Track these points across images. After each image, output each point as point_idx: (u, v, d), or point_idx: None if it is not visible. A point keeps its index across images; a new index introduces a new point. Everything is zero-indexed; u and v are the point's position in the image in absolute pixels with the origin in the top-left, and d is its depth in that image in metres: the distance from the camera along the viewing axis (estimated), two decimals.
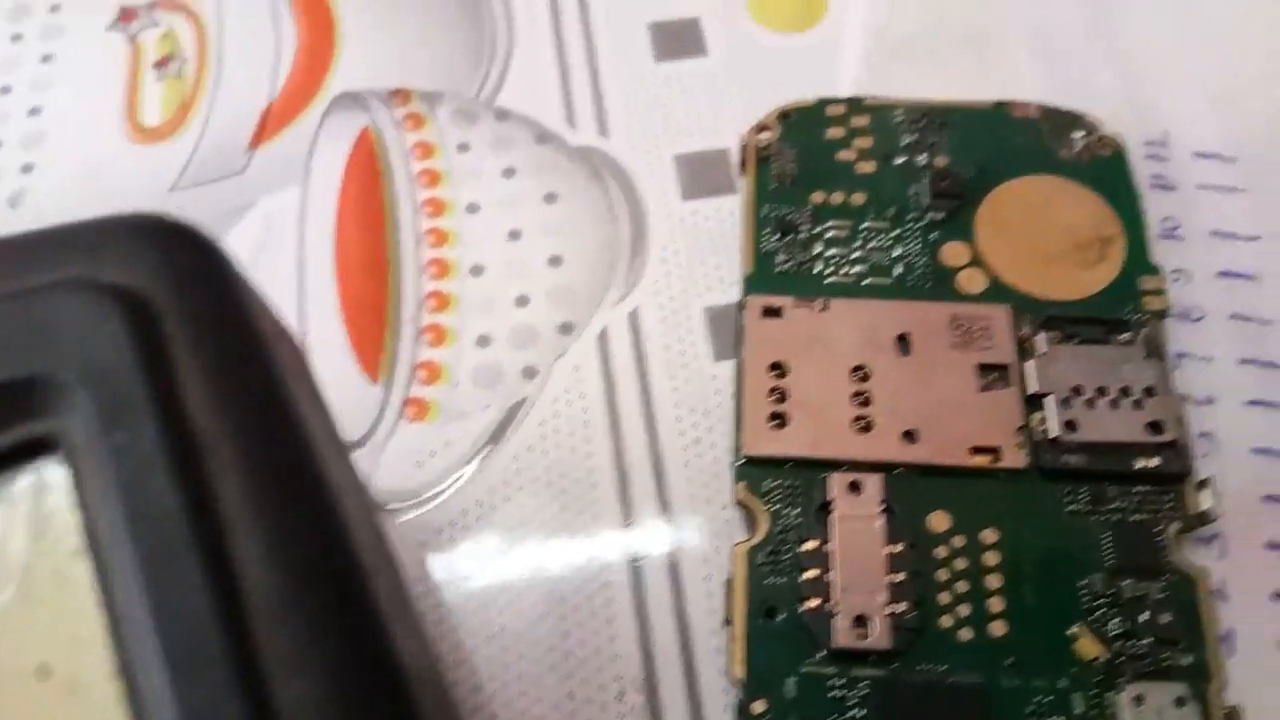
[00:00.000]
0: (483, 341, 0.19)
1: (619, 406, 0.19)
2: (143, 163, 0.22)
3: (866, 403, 0.17)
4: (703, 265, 0.20)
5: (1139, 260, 0.18)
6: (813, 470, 0.16)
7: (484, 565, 0.18)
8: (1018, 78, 0.21)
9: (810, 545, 0.16)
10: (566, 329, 0.19)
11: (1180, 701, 0.15)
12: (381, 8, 0.23)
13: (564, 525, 0.17)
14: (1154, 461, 0.16)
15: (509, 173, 0.21)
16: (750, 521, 0.17)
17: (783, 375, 0.17)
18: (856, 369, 0.17)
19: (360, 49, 0.23)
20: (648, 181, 0.21)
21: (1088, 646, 0.15)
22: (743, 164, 0.19)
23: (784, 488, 0.16)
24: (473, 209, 0.21)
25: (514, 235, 0.20)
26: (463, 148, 0.22)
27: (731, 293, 0.19)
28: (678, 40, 0.23)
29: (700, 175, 0.21)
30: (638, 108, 0.22)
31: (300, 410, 0.10)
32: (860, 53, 0.21)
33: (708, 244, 0.20)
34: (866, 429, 0.17)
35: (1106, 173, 0.19)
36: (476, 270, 0.20)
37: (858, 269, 0.18)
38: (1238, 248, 0.19)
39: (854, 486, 0.16)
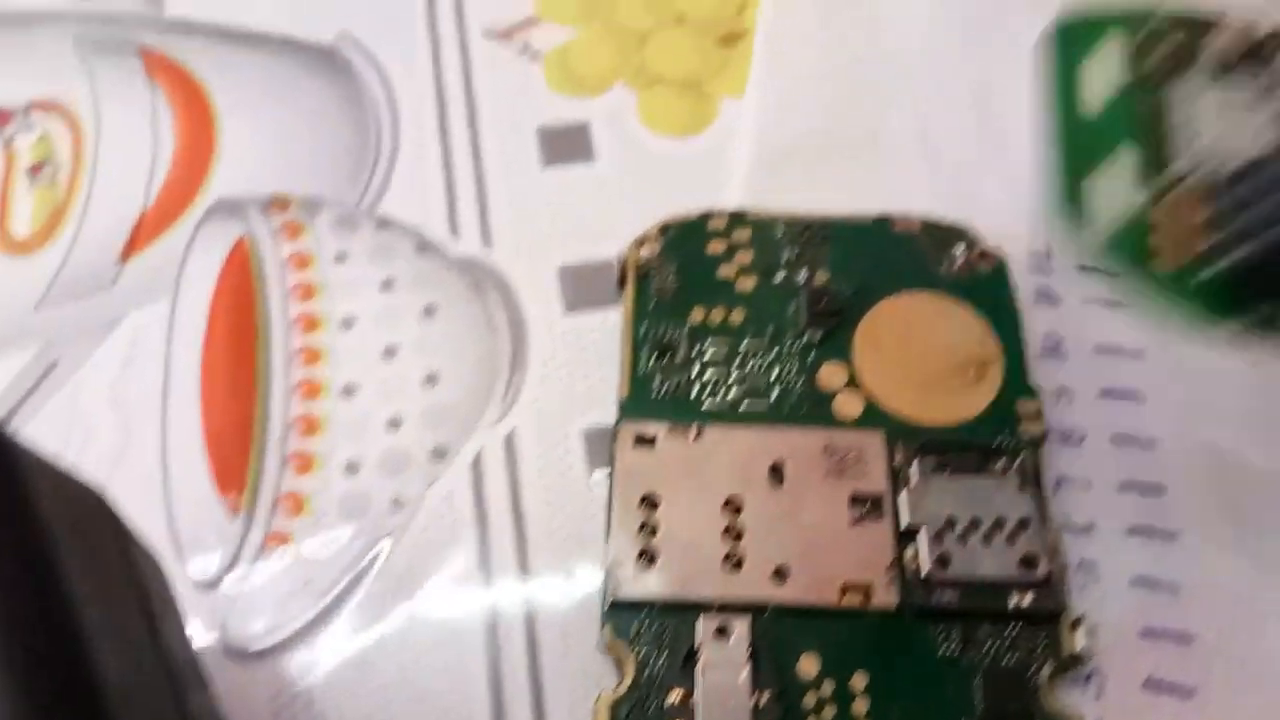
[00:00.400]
0: (351, 469, 0.18)
1: (490, 539, 0.18)
2: (8, 277, 0.21)
3: (738, 537, 0.16)
4: (585, 380, 0.19)
5: (1017, 383, 0.18)
6: (681, 612, 0.16)
7: (347, 711, 0.17)
8: (907, 188, 0.20)
9: (675, 697, 0.15)
10: (439, 453, 0.19)
11: None
12: (264, 108, 0.23)
13: (424, 689, 0.17)
14: (1027, 599, 0.16)
15: (387, 285, 0.20)
16: (618, 668, 0.16)
17: (654, 508, 0.16)
18: (729, 501, 0.17)
19: (241, 152, 0.22)
20: (530, 293, 0.20)
21: None
22: (621, 280, 0.19)
23: (651, 632, 0.16)
24: (347, 324, 0.20)
25: (389, 352, 0.20)
26: (340, 258, 0.21)
27: (612, 412, 0.18)
28: (566, 145, 0.22)
29: (585, 286, 0.20)
30: (523, 215, 0.21)
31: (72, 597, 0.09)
32: (747, 161, 0.21)
33: (592, 358, 0.19)
34: (737, 566, 0.16)
35: (987, 289, 0.18)
36: (348, 391, 0.19)
37: (735, 392, 0.18)
38: (1121, 365, 0.19)
39: (721, 631, 0.15)
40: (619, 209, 0.21)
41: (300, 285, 0.20)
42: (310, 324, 0.20)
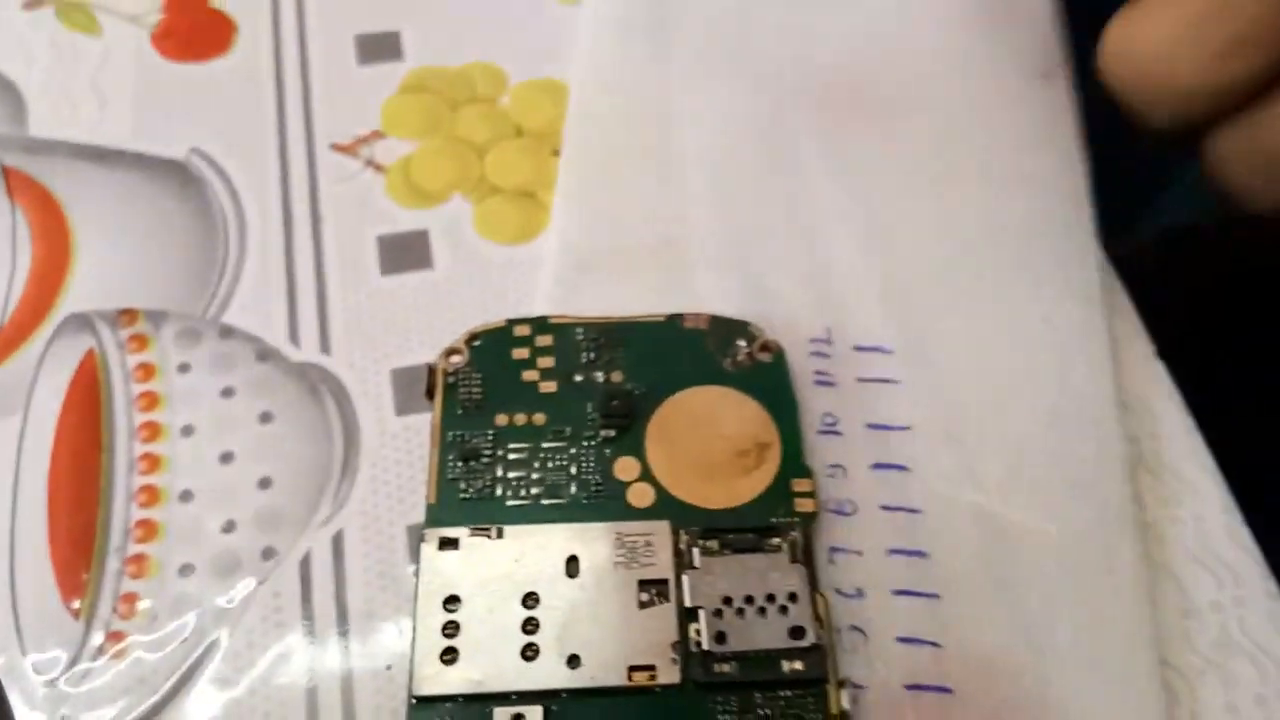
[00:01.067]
0: (185, 571, 0.19)
1: (316, 633, 0.19)
2: None
3: (535, 629, 0.17)
4: (411, 482, 0.20)
5: (793, 464, 0.19)
6: (481, 705, 0.17)
7: None
8: (705, 285, 0.22)
9: None
10: (269, 554, 0.20)
11: None
12: (117, 223, 0.23)
13: None
14: (797, 666, 0.17)
15: (227, 392, 0.21)
16: None
17: (457, 608, 0.18)
18: (528, 596, 0.18)
19: (94, 266, 0.23)
20: (363, 397, 0.21)
21: None
22: (430, 390, 0.20)
23: None
24: (187, 431, 0.21)
25: (226, 458, 0.21)
26: (184, 368, 0.22)
27: None
28: (406, 253, 0.23)
29: (416, 390, 0.21)
30: (361, 322, 0.22)
31: None
32: (553, 266, 0.22)
33: (419, 459, 0.20)
34: (534, 657, 0.17)
35: (767, 378, 0.20)
36: (185, 496, 0.20)
37: (536, 491, 0.19)
38: (890, 439, 0.20)
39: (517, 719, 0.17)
40: (454, 314, 0.22)
41: (144, 395, 0.21)
42: (153, 432, 0.21)
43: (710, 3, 0.26)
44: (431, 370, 0.20)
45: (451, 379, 0.20)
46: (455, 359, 0.20)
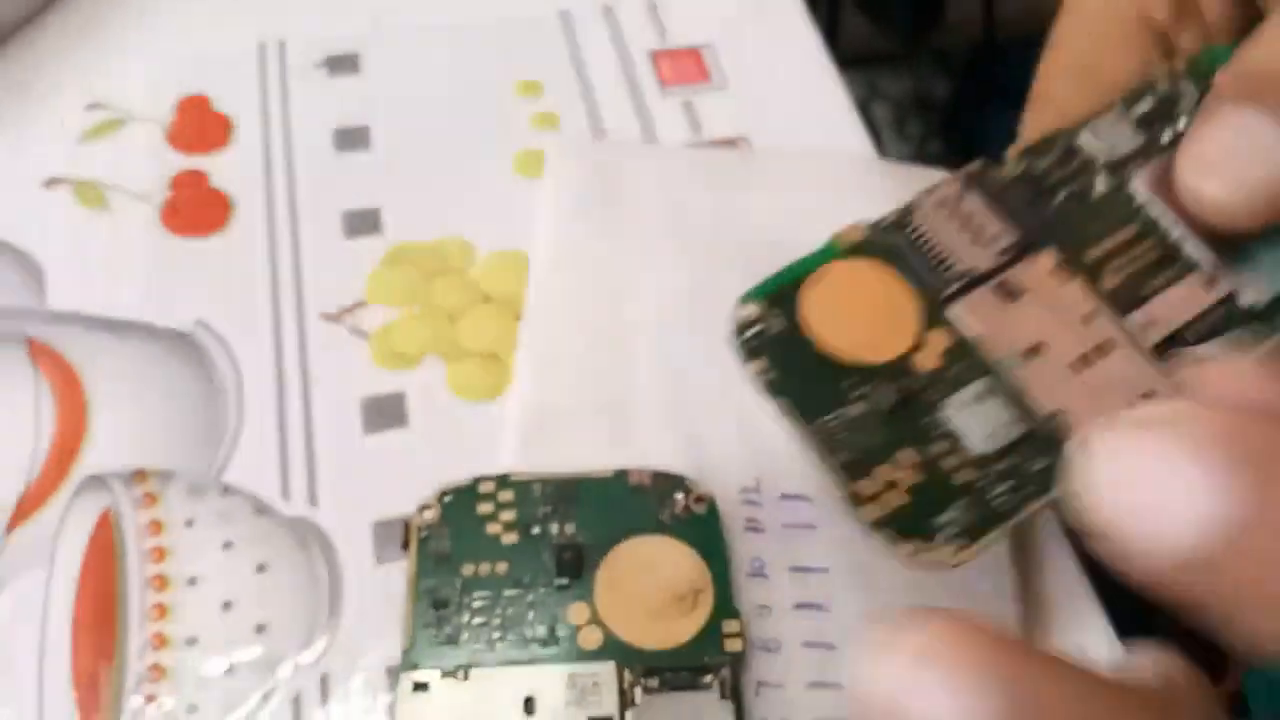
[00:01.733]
0: (191, 710, 0.22)
1: None
2: None
3: None
4: (390, 626, 0.23)
5: (724, 606, 0.22)
6: None
7: None
8: (648, 442, 0.25)
9: None
10: (267, 696, 0.22)
11: None
12: (129, 390, 0.26)
13: None
14: None
15: (227, 545, 0.24)
16: None
17: None
18: None
19: (108, 430, 0.26)
20: (347, 548, 0.24)
21: None
22: (404, 543, 0.23)
23: None
24: (193, 582, 0.23)
25: (227, 606, 0.23)
26: (189, 523, 0.24)
27: None
28: (385, 413, 0.26)
29: (394, 540, 0.24)
30: (345, 477, 0.25)
31: None
32: (515, 424, 0.25)
33: (397, 604, 0.23)
34: None
35: (702, 528, 0.23)
36: (191, 641, 0.23)
37: (497, 635, 0.21)
38: (811, 580, 0.23)
39: None
40: (428, 468, 0.25)
41: (155, 548, 0.24)
42: (162, 583, 0.23)
43: (654, 183, 0.30)
44: (406, 525, 0.23)
45: (424, 532, 0.23)
46: (428, 514, 0.23)
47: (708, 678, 0.21)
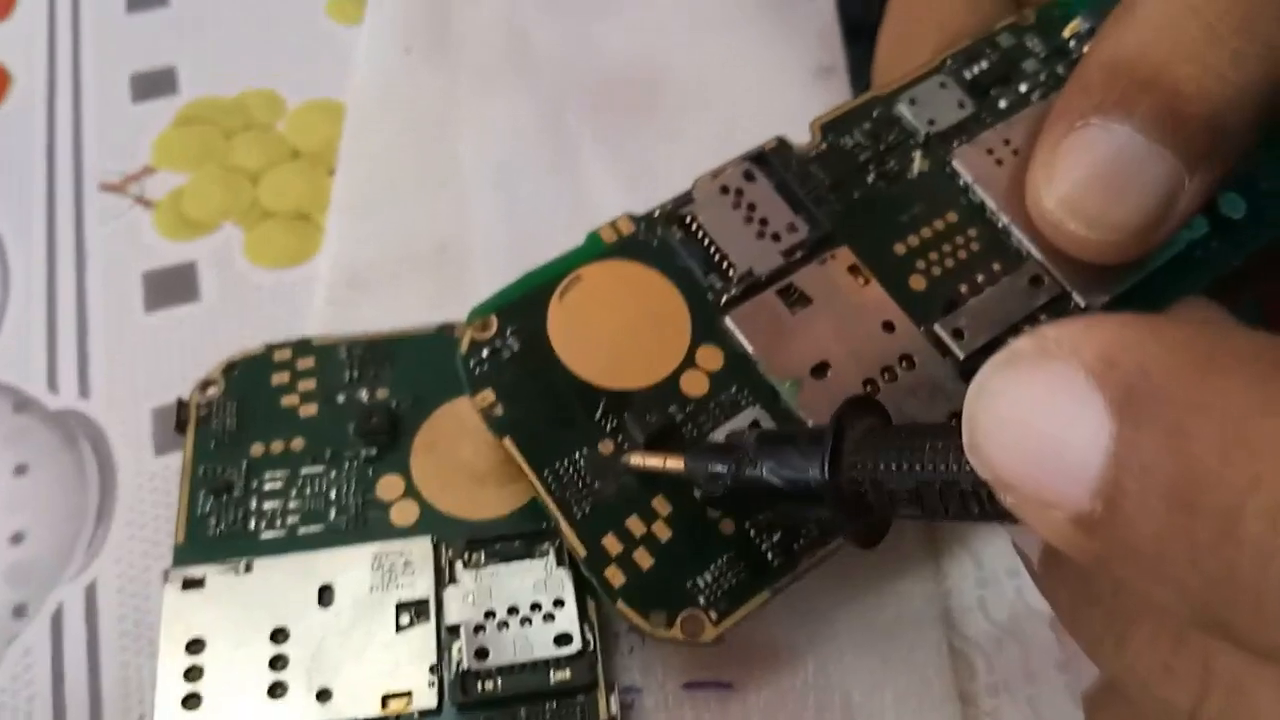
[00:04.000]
0: None
1: (67, 691, 0.17)
2: None
3: (284, 666, 0.16)
4: (170, 524, 0.19)
5: None
6: None
7: None
8: (486, 290, 0.21)
9: None
10: (20, 611, 0.18)
11: None
12: None
13: None
14: (564, 674, 0.16)
15: None
16: None
17: (201, 650, 0.16)
18: (277, 632, 0.16)
19: None
20: (121, 440, 0.20)
21: None
22: (181, 425, 0.18)
23: None
24: None
25: None
26: None
27: None
28: (171, 288, 0.22)
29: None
30: (122, 362, 0.20)
31: None
32: (324, 286, 0.21)
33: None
34: (282, 695, 0.16)
35: None
36: None
37: (293, 520, 0.17)
38: None
39: None
40: (221, 347, 0.21)
41: None
42: None
43: (492, 19, 0.25)
44: (182, 404, 0.19)
45: (205, 411, 0.18)
46: (210, 390, 0.19)
47: (544, 545, 0.17)
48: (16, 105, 0.25)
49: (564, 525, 0.15)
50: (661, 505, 0.16)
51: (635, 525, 0.16)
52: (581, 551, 0.15)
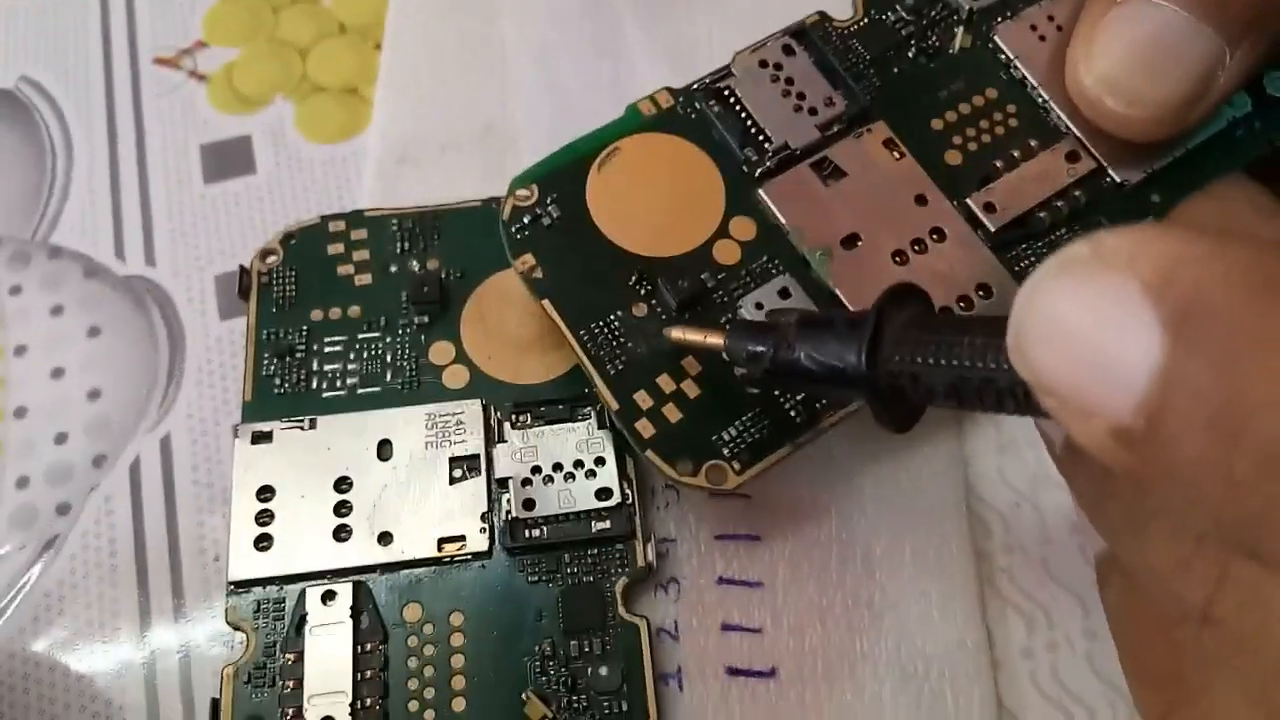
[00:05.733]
0: (21, 483, 0.19)
1: (146, 536, 0.18)
2: None
3: (348, 513, 0.17)
4: (236, 383, 0.19)
5: None
6: (294, 585, 0.16)
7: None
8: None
9: (289, 658, 0.16)
10: (99, 462, 0.19)
11: None
12: None
13: (86, 665, 0.17)
14: (604, 525, 0.17)
15: (57, 310, 0.20)
16: (245, 639, 0.16)
17: (270, 498, 0.17)
18: (340, 481, 0.17)
19: None
20: (187, 305, 0.20)
21: (535, 709, 0.16)
22: (244, 291, 0.19)
23: (269, 606, 0.16)
24: (20, 351, 0.20)
25: (57, 373, 0.20)
26: (15, 290, 0.21)
27: None
28: (228, 160, 0.22)
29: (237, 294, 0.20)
30: (184, 232, 0.21)
31: None
32: (373, 161, 0.21)
33: (242, 362, 0.20)
34: (346, 538, 0.17)
35: None
36: (20, 413, 0.19)
37: (352, 381, 0.18)
38: None
39: (328, 596, 0.16)
40: (277, 216, 0.21)
41: None
42: None
43: None
44: (245, 271, 0.19)
45: (266, 278, 0.19)
46: (270, 259, 0.19)
47: (587, 409, 0.18)
48: None
49: (598, 380, 0.16)
50: (691, 365, 0.16)
51: (665, 382, 0.16)
52: (614, 405, 0.16)
